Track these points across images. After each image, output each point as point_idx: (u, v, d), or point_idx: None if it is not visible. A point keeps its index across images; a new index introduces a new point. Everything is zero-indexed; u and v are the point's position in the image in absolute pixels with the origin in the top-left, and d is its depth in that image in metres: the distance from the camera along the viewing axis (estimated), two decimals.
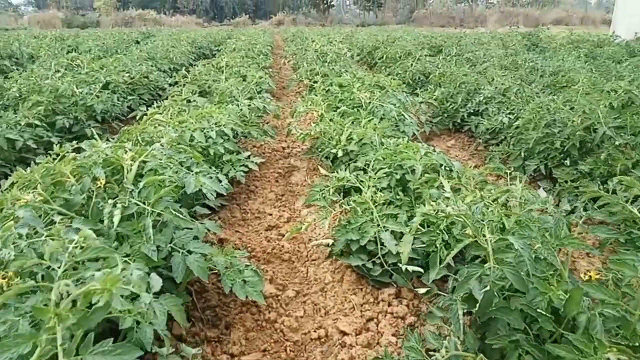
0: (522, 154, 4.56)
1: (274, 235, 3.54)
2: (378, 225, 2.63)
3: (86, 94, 5.76)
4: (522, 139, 4.62)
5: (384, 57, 10.49)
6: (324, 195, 3.04)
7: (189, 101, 5.46)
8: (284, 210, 4.14)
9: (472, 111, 6.10)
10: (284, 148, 5.98)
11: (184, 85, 5.84)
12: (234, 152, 4.47)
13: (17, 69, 8.96)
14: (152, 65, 8.87)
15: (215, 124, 4.33)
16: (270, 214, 4.01)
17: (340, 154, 3.69)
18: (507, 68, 9.50)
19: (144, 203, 2.11)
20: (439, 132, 6.46)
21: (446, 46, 13.50)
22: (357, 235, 2.74)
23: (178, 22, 54.83)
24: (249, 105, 4.87)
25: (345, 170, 3.49)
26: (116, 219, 1.95)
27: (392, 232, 2.69)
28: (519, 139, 4.73)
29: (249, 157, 4.36)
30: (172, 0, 67.54)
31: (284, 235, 3.57)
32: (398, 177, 3.05)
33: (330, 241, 3.05)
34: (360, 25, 47.69)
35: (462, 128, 6.32)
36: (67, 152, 2.67)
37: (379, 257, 2.74)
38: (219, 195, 3.97)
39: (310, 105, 5.30)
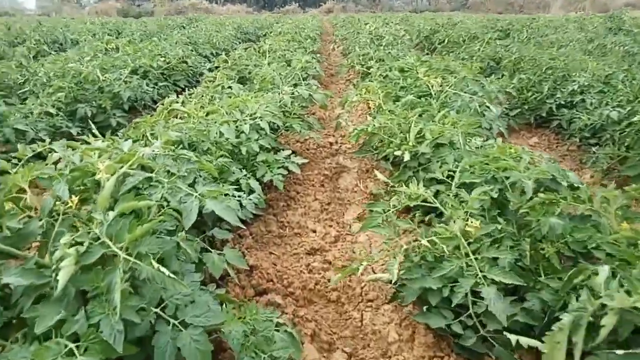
0: None
1: (317, 264, 2.71)
2: (476, 275, 1.74)
3: (114, 79, 5.15)
4: None
5: (446, 41, 9.35)
6: (388, 217, 2.18)
7: (228, 87, 4.72)
8: (330, 225, 3.31)
9: (562, 103, 4.99)
10: (331, 144, 5.13)
11: (220, 70, 5.10)
12: (272, 149, 3.68)
13: (57, 53, 8.62)
14: (192, 50, 8.26)
15: (250, 115, 3.55)
16: (314, 231, 3.19)
17: (406, 157, 2.80)
18: (591, 53, 8.17)
19: (119, 242, 1.33)
20: (517, 127, 5.38)
21: (514, 30, 12.11)
22: (438, 283, 1.87)
23: (229, 11, 55.06)
24: (292, 93, 4.05)
25: (415, 180, 2.59)
26: (63, 277, 1.18)
27: (493, 280, 1.80)
28: (638, 139, 3.63)
29: (289, 156, 3.55)
30: None
31: (330, 263, 2.74)
32: (495, 195, 2.14)
33: (393, 276, 2.19)
34: (412, 12, 45.75)
35: (548, 123, 5.22)
36: (45, 154, 1.96)
37: (470, 317, 1.86)
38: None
39: (365, 93, 4.42)
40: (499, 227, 2.00)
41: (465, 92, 3.48)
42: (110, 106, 4.91)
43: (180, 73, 6.90)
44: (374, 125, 3.16)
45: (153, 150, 1.73)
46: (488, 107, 3.35)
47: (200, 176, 2.05)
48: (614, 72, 4.89)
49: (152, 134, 2.60)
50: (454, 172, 2.33)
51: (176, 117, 3.47)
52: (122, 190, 1.52)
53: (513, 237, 2.05)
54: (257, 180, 3.29)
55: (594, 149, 4.08)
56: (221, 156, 2.94)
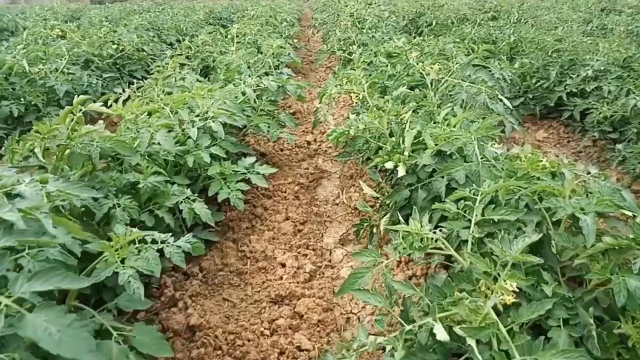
0: None
1: (284, 320, 1.99)
2: None
3: (50, 71, 4.33)
4: None
5: (433, 24, 8.62)
6: (382, 273, 1.49)
7: (181, 79, 3.93)
8: (305, 255, 2.60)
9: (573, 90, 4.33)
10: (309, 143, 4.41)
11: (174, 58, 4.30)
12: (231, 156, 2.95)
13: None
14: (153, 37, 7.39)
15: (201, 115, 2.80)
16: (283, 264, 2.47)
17: (401, 171, 2.09)
18: (591, 34, 7.54)
19: None
20: (520, 120, 4.72)
21: (503, 11, 11.43)
22: None
23: None
24: (257, 85, 3.30)
25: (415, 206, 1.90)
26: None
27: None
28: None
29: (253, 164, 2.82)
30: None
31: (302, 317, 2.04)
32: (536, 237, 1.45)
33: None
34: None
35: (556, 114, 4.58)
36: None
37: None
38: (206, 225, 2.49)
39: (347, 84, 3.69)
40: (549, 292, 1.32)
41: (469, 82, 2.78)
42: (43, 103, 4.09)
43: (137, 62, 6.06)
44: (357, 127, 2.45)
45: None
46: (501, 100, 2.66)
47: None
48: (635, 54, 4.24)
49: (46, 150, 1.85)
50: (470, 198, 1.63)
51: (104, 120, 2.71)
52: None
53: (567, 302, 1.37)
54: (209, 199, 2.57)
55: (618, 146, 3.43)
56: (155, 173, 2.21)
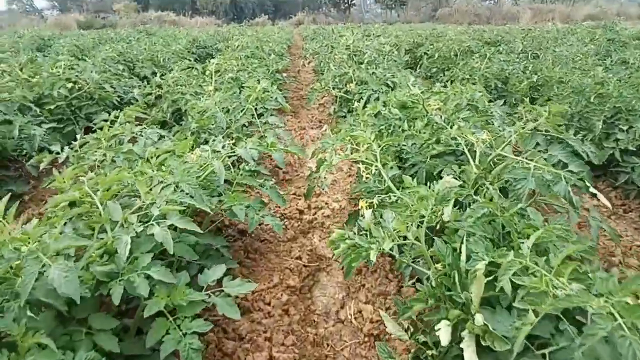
0: None
1: None
2: None
3: None
4: None
5: (436, 56, 7.87)
6: None
7: (131, 138, 3.01)
8: None
9: (629, 148, 3.50)
10: (301, 212, 3.49)
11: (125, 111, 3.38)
12: (189, 265, 2.02)
13: None
14: (123, 70, 6.51)
15: (142, 215, 1.87)
16: None
17: (445, 337, 1.18)
18: (609, 69, 6.83)
19: None
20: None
21: (504, 41, 10.81)
22: None
23: (197, 24, 53.17)
24: (231, 153, 2.40)
25: None
26: None
27: None
28: None
29: (221, 280, 1.88)
30: (191, 2, 66.06)
31: None
32: None
33: None
34: (384, 23, 44.89)
35: (602, 172, 3.75)
36: None
37: None
38: None
39: (349, 143, 2.82)
40: None
41: (536, 161, 1.90)
42: None
43: (99, 102, 5.16)
44: (379, 241, 1.55)
45: None
46: (595, 194, 1.77)
47: None
48: None
49: None
50: None
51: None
52: None
53: None
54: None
55: None
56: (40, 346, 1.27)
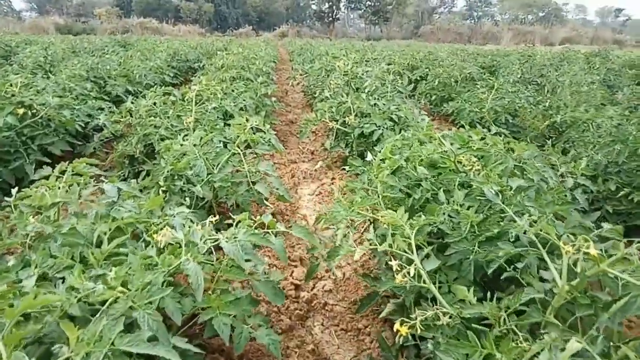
0: None
1: None
2: None
3: None
4: None
5: (436, 82, 7.33)
6: None
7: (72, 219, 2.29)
8: None
9: None
10: (297, 287, 2.81)
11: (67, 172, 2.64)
12: None
13: None
14: (91, 90, 5.75)
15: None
16: None
17: None
18: (620, 103, 6.41)
19: None
20: None
21: (501, 66, 10.41)
22: None
23: (180, 32, 52.22)
24: (207, 253, 1.72)
25: None
26: None
27: None
28: None
29: None
30: (174, 10, 65.08)
31: None
32: None
33: None
34: (367, 40, 44.84)
35: None
36: None
37: None
38: None
39: (366, 213, 2.18)
40: None
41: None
42: None
43: (58, 131, 4.40)
44: None
45: None
46: None
47: None
48: None
49: None
50: None
51: None
52: None
53: None
54: None
55: None
56: None
